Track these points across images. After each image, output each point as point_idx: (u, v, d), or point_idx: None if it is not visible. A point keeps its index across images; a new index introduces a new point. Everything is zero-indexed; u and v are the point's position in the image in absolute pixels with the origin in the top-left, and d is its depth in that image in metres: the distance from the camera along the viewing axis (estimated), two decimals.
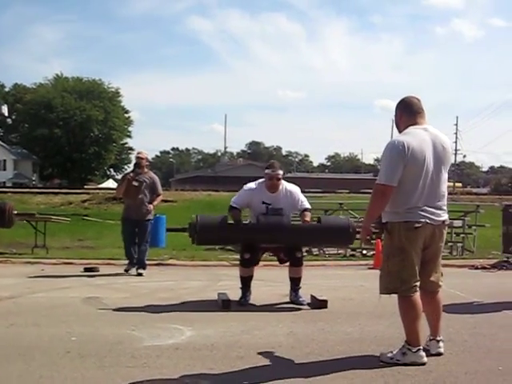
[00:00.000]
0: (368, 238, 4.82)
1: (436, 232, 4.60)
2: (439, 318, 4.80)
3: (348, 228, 7.02)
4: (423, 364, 4.46)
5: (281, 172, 6.98)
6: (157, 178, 10.00)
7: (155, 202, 9.76)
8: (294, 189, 7.13)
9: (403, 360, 4.48)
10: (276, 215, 6.82)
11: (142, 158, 9.81)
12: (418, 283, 4.54)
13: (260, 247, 7.07)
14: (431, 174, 4.53)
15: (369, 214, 4.66)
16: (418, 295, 4.54)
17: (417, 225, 4.48)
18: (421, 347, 4.52)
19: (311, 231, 7.13)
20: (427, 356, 4.57)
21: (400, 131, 4.73)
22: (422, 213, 4.50)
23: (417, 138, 4.51)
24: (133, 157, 66.34)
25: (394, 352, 4.55)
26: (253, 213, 7.05)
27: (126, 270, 9.51)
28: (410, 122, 4.65)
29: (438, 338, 4.77)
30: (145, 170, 9.79)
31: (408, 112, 4.69)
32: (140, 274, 9.42)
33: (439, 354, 4.71)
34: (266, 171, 6.96)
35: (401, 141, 4.49)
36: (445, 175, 4.67)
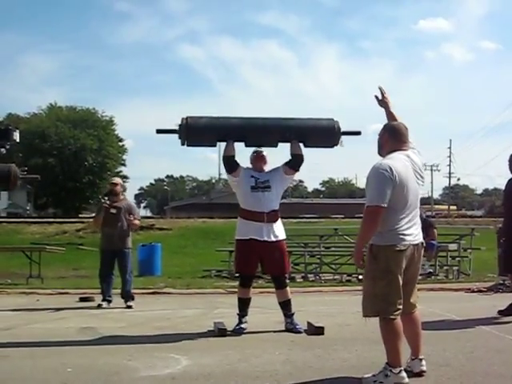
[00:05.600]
0: (362, 262, 4.83)
1: (415, 253, 4.71)
2: (419, 338, 4.87)
3: (333, 126, 7.20)
4: None
5: (264, 152, 7.28)
6: (133, 205, 9.93)
7: (135, 221, 9.47)
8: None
9: (386, 382, 4.51)
10: (264, 187, 6.97)
11: (116, 185, 9.59)
12: (402, 305, 4.61)
13: (253, 266, 7.10)
14: (412, 198, 4.69)
15: (361, 237, 4.70)
16: (399, 317, 4.61)
17: (402, 247, 4.58)
18: (402, 368, 4.57)
19: (297, 128, 7.16)
20: (410, 376, 4.60)
21: (382, 153, 4.89)
22: (406, 235, 4.61)
23: (400, 162, 4.67)
24: (127, 185, 66.48)
25: (377, 374, 4.58)
26: (241, 189, 7.06)
27: (99, 305, 9.16)
28: (394, 148, 4.81)
29: (420, 357, 4.83)
30: (121, 197, 9.58)
31: (394, 139, 4.86)
32: (129, 307, 9.11)
33: (422, 372, 4.77)
34: (251, 156, 7.27)
35: (387, 164, 4.61)
36: (419, 199, 4.87)
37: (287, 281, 7.40)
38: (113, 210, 9.33)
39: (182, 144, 7.17)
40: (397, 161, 4.66)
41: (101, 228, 9.62)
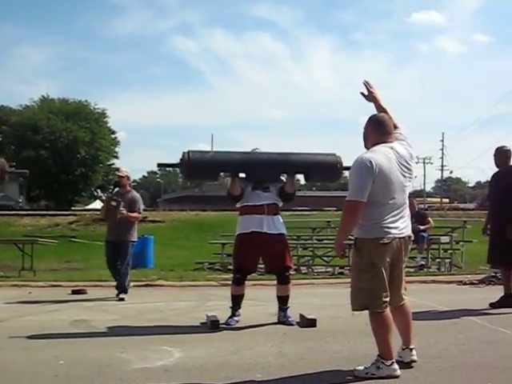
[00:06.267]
0: (343, 253, 4.91)
1: (402, 247, 4.71)
2: (410, 329, 4.90)
3: (336, 162, 7.16)
4: (397, 377, 4.53)
5: None
6: (138, 197, 9.63)
7: (132, 214, 9.28)
8: None
9: (378, 374, 4.54)
10: (264, 188, 6.98)
11: (122, 177, 9.53)
12: (388, 298, 4.64)
13: (253, 261, 7.09)
14: (397, 190, 4.67)
15: (341, 231, 4.76)
16: (388, 310, 4.64)
17: (386, 240, 4.58)
18: (394, 360, 4.60)
19: (299, 164, 7.13)
20: (401, 367, 4.63)
21: (367, 145, 4.87)
22: (390, 228, 4.61)
23: (383, 155, 4.64)
24: None
25: (368, 366, 4.60)
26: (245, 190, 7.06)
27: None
28: (379, 139, 4.79)
29: (411, 347, 4.86)
30: (127, 189, 9.52)
31: (378, 130, 4.83)
32: (121, 299, 9.08)
33: (413, 362, 4.81)
34: None
35: (368, 158, 4.59)
36: (407, 191, 4.85)
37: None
38: (113, 203, 9.28)
39: (184, 178, 7.17)
40: (379, 154, 4.64)
41: (106, 220, 9.72)
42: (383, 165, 4.57)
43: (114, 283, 9.44)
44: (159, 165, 7.42)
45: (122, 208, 9.18)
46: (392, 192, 4.63)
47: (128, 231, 9.36)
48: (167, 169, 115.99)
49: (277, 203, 7.08)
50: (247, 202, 7.00)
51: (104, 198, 69.69)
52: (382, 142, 4.75)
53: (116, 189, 9.66)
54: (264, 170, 7.04)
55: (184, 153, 6.96)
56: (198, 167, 7.04)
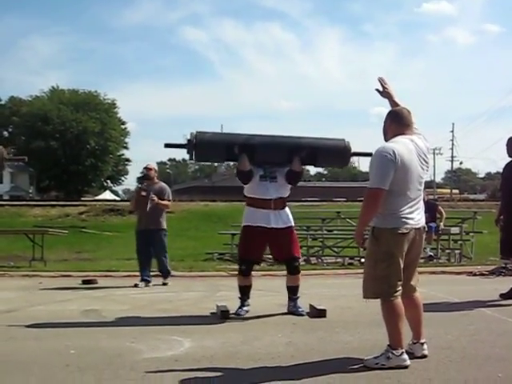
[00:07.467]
0: (363, 241, 4.91)
1: (417, 237, 4.74)
2: (421, 321, 4.90)
3: (344, 147, 7.15)
4: (407, 367, 4.53)
5: None
6: (166, 186, 10.07)
7: (162, 201, 9.69)
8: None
9: (388, 364, 4.54)
10: (272, 177, 6.96)
11: (150, 169, 9.91)
12: (401, 286, 4.66)
13: (259, 251, 7.09)
14: (415, 181, 4.71)
15: (362, 219, 4.77)
16: (400, 298, 4.65)
17: (404, 231, 4.61)
18: (403, 350, 4.61)
19: (308, 148, 7.05)
20: (412, 359, 4.63)
21: (386, 138, 4.91)
22: (408, 219, 4.64)
23: (404, 146, 4.68)
24: (130, 168, 66.51)
25: (378, 356, 4.61)
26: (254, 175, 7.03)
27: (135, 285, 9.46)
28: (398, 132, 4.82)
29: (422, 341, 4.86)
30: (155, 181, 9.91)
31: (397, 123, 4.87)
32: (165, 284, 9.70)
33: (424, 357, 4.80)
34: None
35: (391, 147, 4.62)
36: (423, 183, 4.88)
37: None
38: (143, 193, 9.68)
39: (190, 158, 7.19)
40: (400, 144, 4.67)
41: (136, 211, 10.14)
42: (404, 155, 4.60)
43: (124, 273, 9.53)
44: (166, 145, 7.42)
45: (152, 195, 9.56)
46: (410, 183, 4.67)
47: (158, 219, 9.77)
48: (177, 159, 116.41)
49: (284, 197, 7.04)
50: (254, 194, 6.97)
51: (114, 188, 70.29)
52: (401, 134, 4.79)
53: (144, 183, 9.94)
54: (272, 152, 7.01)
55: (191, 133, 6.99)
56: (205, 147, 7.04)
